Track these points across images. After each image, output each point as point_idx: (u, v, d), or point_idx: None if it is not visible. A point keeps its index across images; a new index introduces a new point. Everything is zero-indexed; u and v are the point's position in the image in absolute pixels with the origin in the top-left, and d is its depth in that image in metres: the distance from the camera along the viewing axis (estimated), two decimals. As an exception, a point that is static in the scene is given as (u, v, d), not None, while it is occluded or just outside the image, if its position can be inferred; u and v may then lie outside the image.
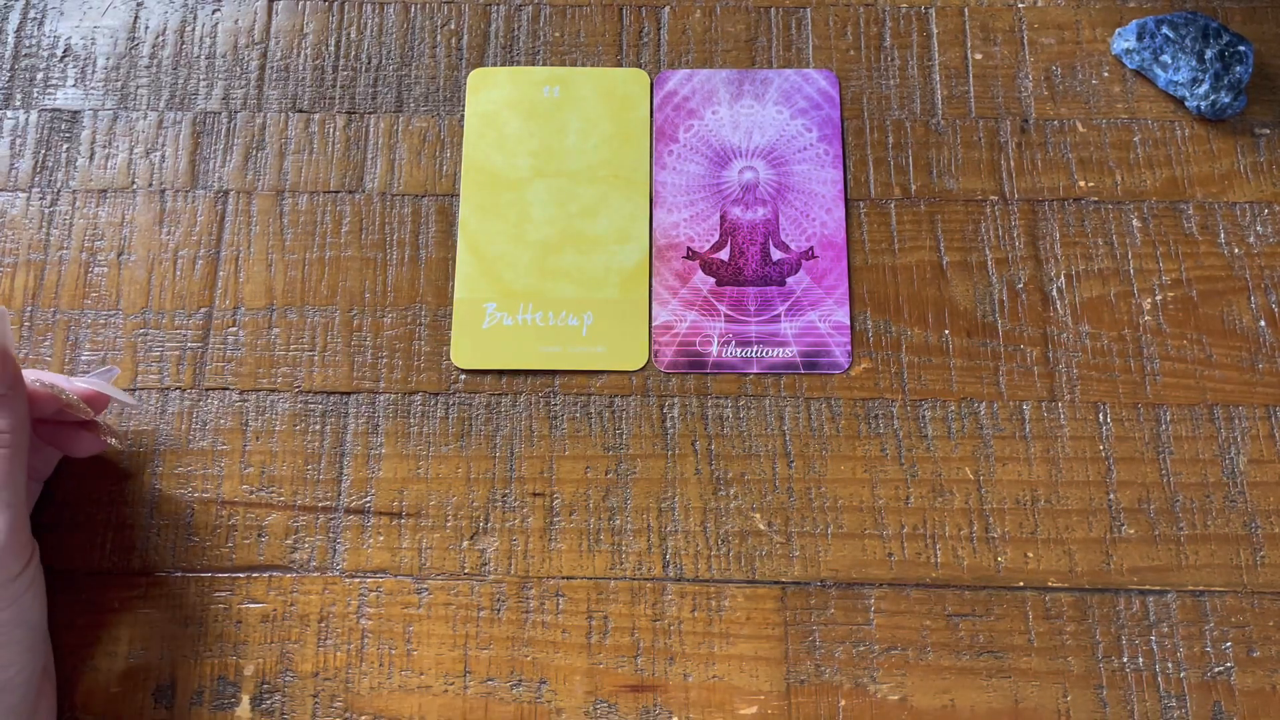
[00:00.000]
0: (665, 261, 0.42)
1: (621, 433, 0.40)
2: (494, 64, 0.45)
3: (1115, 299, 0.41)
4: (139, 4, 0.46)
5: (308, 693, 0.36)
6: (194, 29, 0.45)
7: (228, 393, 0.40)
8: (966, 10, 0.45)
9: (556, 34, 0.45)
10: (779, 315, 0.41)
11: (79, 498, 0.39)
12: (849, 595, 0.37)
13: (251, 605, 0.37)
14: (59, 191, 0.43)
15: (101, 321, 0.41)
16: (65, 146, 0.44)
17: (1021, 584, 0.38)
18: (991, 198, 0.43)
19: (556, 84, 0.44)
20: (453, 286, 0.42)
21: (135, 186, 0.43)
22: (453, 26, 0.45)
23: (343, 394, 0.40)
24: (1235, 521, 0.38)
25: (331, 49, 0.45)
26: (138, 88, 0.45)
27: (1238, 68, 0.43)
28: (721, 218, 0.42)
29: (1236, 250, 0.42)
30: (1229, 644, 0.37)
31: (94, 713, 0.36)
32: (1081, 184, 0.43)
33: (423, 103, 0.44)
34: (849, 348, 0.40)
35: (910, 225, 0.42)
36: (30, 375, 0.34)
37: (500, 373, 0.40)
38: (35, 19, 0.46)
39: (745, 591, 0.38)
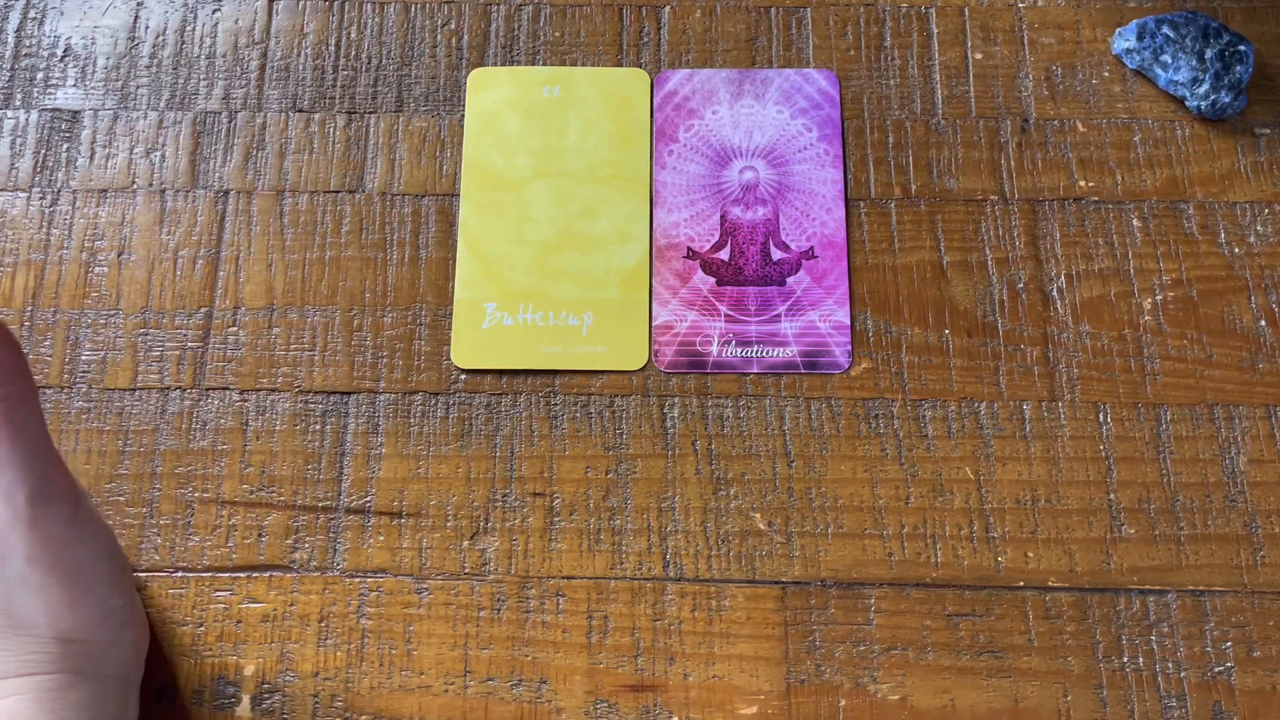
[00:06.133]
0: (665, 261, 0.42)
1: (621, 433, 0.40)
2: (494, 64, 0.45)
3: (1115, 299, 0.41)
4: (139, 4, 0.46)
5: (308, 692, 0.36)
6: (194, 29, 0.45)
7: (228, 393, 0.40)
8: (966, 10, 0.45)
9: (556, 34, 0.45)
10: (779, 315, 0.41)
11: (79, 498, 0.39)
12: (849, 595, 0.37)
13: (251, 605, 0.37)
14: (59, 191, 0.43)
15: (101, 321, 0.41)
16: (65, 146, 0.44)
17: (1021, 584, 0.38)
18: (991, 198, 0.43)
19: (557, 84, 0.44)
20: (453, 286, 0.42)
21: (135, 186, 0.43)
22: (453, 26, 0.45)
23: (343, 394, 0.40)
24: (1235, 521, 0.38)
25: (331, 49, 0.45)
26: (138, 88, 0.45)
27: (1238, 67, 0.43)
28: (722, 217, 0.42)
29: (1236, 250, 0.42)
30: (1229, 644, 0.37)
31: (94, 712, 0.36)
32: (1082, 184, 0.43)
33: (423, 103, 0.44)
34: (849, 348, 0.40)
35: (910, 225, 0.42)
36: None
37: (500, 373, 0.40)
38: (35, 19, 0.46)
39: (745, 591, 0.38)
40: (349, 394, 0.40)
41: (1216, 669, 0.36)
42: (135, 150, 0.44)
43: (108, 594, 0.32)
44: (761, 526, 0.38)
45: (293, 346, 0.41)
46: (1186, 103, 0.43)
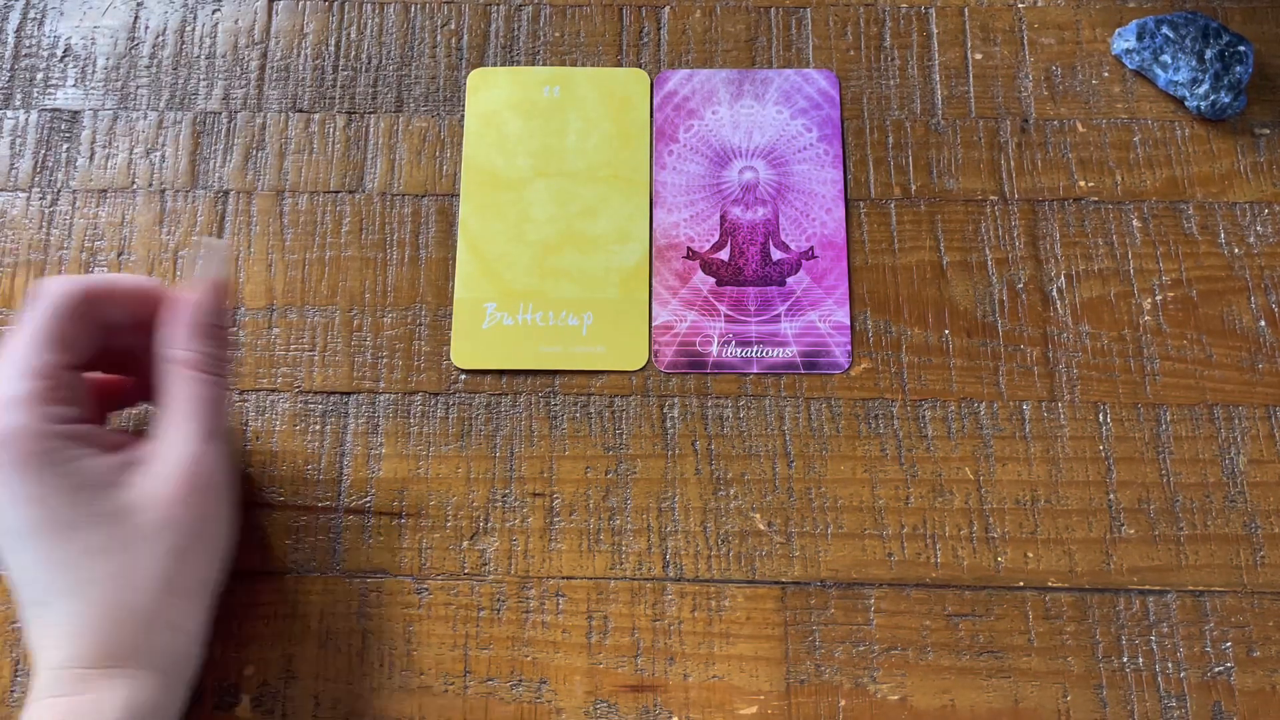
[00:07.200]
0: (665, 261, 0.42)
1: (621, 433, 0.40)
2: (494, 64, 0.45)
3: (1115, 299, 0.41)
4: (139, 4, 0.46)
5: (308, 693, 0.36)
6: (194, 29, 0.45)
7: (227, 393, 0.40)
8: (966, 10, 0.45)
9: (556, 34, 0.45)
10: (779, 315, 0.41)
11: (79, 498, 0.39)
12: (849, 595, 0.37)
13: (251, 605, 0.37)
14: (59, 191, 0.43)
15: (101, 321, 0.41)
16: (65, 146, 0.44)
17: (1021, 584, 0.38)
18: (991, 198, 0.43)
19: (556, 84, 0.44)
20: (453, 286, 0.42)
21: (135, 186, 0.43)
22: (453, 26, 0.45)
23: (343, 394, 0.40)
24: (1235, 521, 0.38)
25: (331, 49, 0.45)
26: (138, 88, 0.45)
27: (1238, 68, 0.43)
28: (721, 218, 0.42)
29: (1236, 250, 0.42)
30: (1229, 644, 0.37)
31: (94, 713, 0.36)
32: (1081, 184, 0.43)
33: (423, 103, 0.44)
34: (849, 348, 0.40)
35: (910, 225, 0.42)
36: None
37: (500, 373, 0.40)
38: (35, 19, 0.46)
39: (745, 591, 0.38)
40: (349, 394, 0.40)
41: (1216, 669, 0.36)
42: (135, 150, 0.44)
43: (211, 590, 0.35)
44: (761, 526, 0.38)
45: (292, 346, 0.41)
46: (1186, 103, 0.43)
